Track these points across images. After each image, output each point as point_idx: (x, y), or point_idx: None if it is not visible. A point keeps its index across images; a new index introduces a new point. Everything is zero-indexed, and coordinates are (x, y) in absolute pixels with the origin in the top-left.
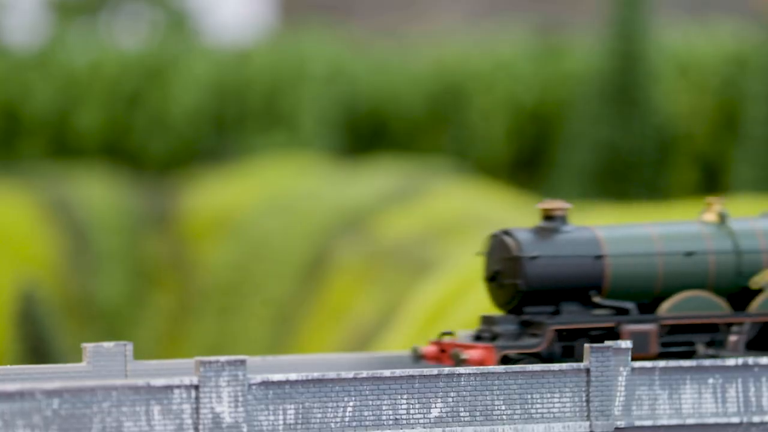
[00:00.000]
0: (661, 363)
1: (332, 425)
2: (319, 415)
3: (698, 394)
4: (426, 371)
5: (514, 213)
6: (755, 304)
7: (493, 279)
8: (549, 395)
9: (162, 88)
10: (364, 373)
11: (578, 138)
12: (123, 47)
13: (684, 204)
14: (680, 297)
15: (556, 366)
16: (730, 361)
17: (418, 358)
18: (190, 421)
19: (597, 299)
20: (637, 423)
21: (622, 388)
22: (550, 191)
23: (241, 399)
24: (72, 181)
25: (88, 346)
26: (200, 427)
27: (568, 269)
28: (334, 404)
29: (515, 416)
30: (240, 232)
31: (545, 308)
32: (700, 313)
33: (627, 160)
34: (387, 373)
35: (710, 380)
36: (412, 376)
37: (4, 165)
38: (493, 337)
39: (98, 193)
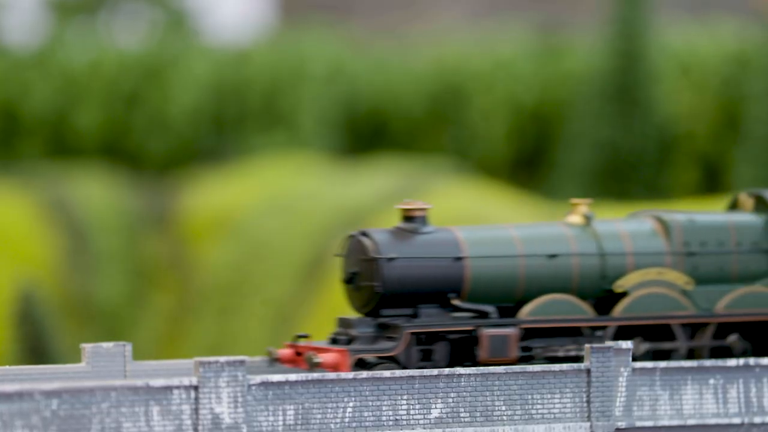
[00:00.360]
0: (662, 363)
1: (332, 426)
2: (319, 416)
3: (699, 394)
4: (426, 372)
5: (515, 213)
6: (619, 308)
7: (350, 281)
8: (549, 396)
9: (161, 88)
10: (364, 374)
11: (579, 138)
12: (122, 47)
13: (685, 204)
14: (542, 300)
15: (556, 366)
16: (732, 362)
17: (273, 361)
18: (189, 422)
19: (456, 302)
20: (638, 424)
21: (623, 389)
22: (551, 191)
23: (240, 400)
24: (71, 180)
25: (87, 347)
26: (200, 427)
27: (427, 271)
28: (334, 405)
29: (516, 417)
30: (240, 232)
31: (403, 311)
32: (561, 317)
33: (628, 160)
34: (387, 373)
35: (711, 381)
36: (412, 377)
37: (3, 165)
38: (349, 341)
39: (97, 193)
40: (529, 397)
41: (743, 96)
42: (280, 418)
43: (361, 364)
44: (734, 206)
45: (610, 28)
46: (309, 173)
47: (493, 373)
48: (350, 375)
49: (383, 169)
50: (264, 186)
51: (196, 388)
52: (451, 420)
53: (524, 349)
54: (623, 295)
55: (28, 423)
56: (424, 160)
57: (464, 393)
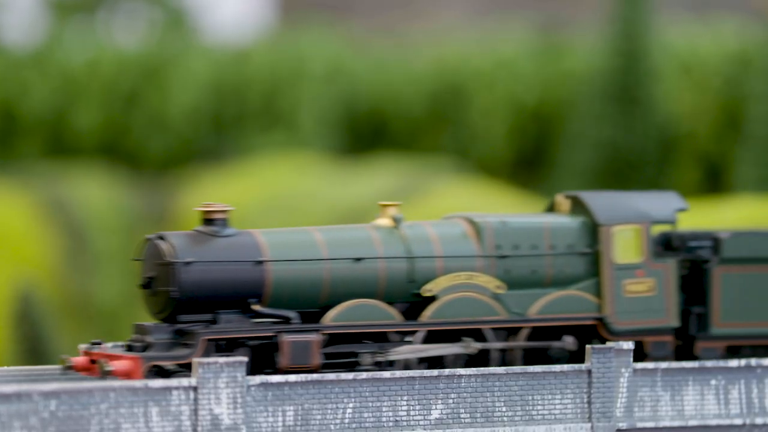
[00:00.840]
0: (663, 364)
1: (332, 427)
2: (319, 417)
3: (701, 395)
4: (426, 372)
5: (516, 212)
6: (427, 313)
7: (147, 286)
8: (550, 396)
9: (160, 88)
10: (364, 375)
11: (580, 137)
12: (121, 46)
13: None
14: (347, 305)
15: (557, 367)
16: (733, 363)
17: (67, 368)
18: (188, 423)
19: (257, 307)
20: (639, 425)
21: (624, 390)
22: (551, 191)
23: (240, 400)
24: (69, 180)
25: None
26: (199, 428)
27: (226, 276)
28: (334, 406)
29: (516, 418)
30: None
31: (202, 317)
32: (367, 322)
33: (629, 160)
34: (387, 374)
35: (713, 381)
36: (413, 378)
37: (1, 164)
38: (145, 348)
39: (96, 193)
40: (530, 397)
41: (745, 96)
42: (280, 418)
43: (162, 373)
44: (551, 208)
45: (611, 28)
46: (308, 173)
47: (494, 374)
48: (350, 376)
49: (383, 168)
50: (263, 186)
51: (195, 388)
52: (451, 421)
53: (328, 356)
54: (433, 299)
55: (26, 424)
56: (424, 160)
57: (464, 394)
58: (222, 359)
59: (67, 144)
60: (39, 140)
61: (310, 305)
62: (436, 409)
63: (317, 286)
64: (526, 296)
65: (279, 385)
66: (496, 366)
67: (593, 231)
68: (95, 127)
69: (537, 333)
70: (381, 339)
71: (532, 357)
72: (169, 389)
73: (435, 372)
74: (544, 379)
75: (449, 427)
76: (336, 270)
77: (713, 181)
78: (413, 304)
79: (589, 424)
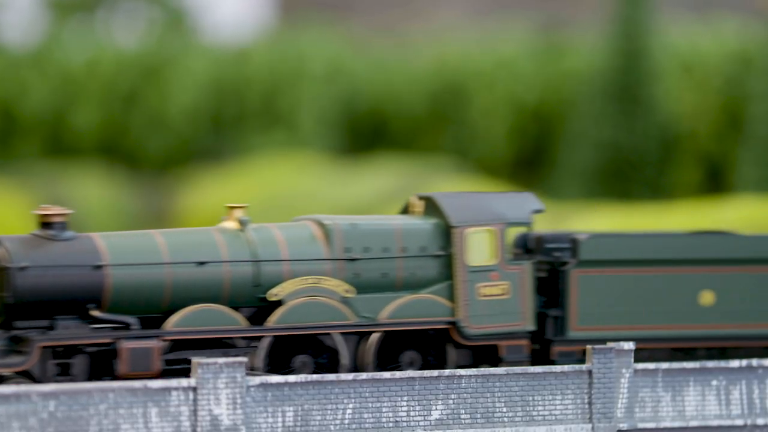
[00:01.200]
0: (664, 365)
1: (332, 428)
2: (319, 418)
3: (702, 396)
4: (427, 373)
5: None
6: (274, 318)
7: None
8: (551, 397)
9: (159, 87)
10: (364, 375)
11: (580, 137)
12: (120, 45)
13: (687, 204)
14: (189, 310)
15: (558, 368)
16: (734, 363)
17: None
18: (188, 424)
19: (95, 313)
20: (640, 425)
21: (625, 390)
22: (552, 191)
23: (239, 401)
24: (68, 180)
25: None
26: (198, 429)
27: (63, 280)
28: (334, 406)
29: (517, 418)
30: None
31: (38, 323)
32: (209, 327)
33: (630, 160)
34: (387, 375)
35: (714, 382)
36: (413, 378)
37: (0, 164)
38: None
39: (95, 193)
40: (530, 398)
41: (746, 95)
42: (280, 419)
43: None
44: (405, 210)
45: (612, 27)
46: (308, 173)
47: (494, 375)
48: (350, 376)
49: (383, 168)
50: (263, 185)
51: (194, 389)
52: (451, 422)
53: (169, 362)
54: (279, 304)
55: (25, 425)
56: (424, 160)
57: (465, 394)
58: (221, 360)
59: (66, 143)
60: (38, 140)
61: (153, 310)
62: (436, 409)
63: (159, 290)
64: (376, 300)
65: (279, 385)
66: (345, 372)
67: (446, 233)
68: (94, 127)
69: (389, 338)
70: (227, 345)
71: (384, 361)
72: (168, 390)
73: (435, 372)
74: (544, 379)
75: (449, 428)
76: (178, 274)
77: (714, 181)
78: (260, 308)
79: (590, 425)
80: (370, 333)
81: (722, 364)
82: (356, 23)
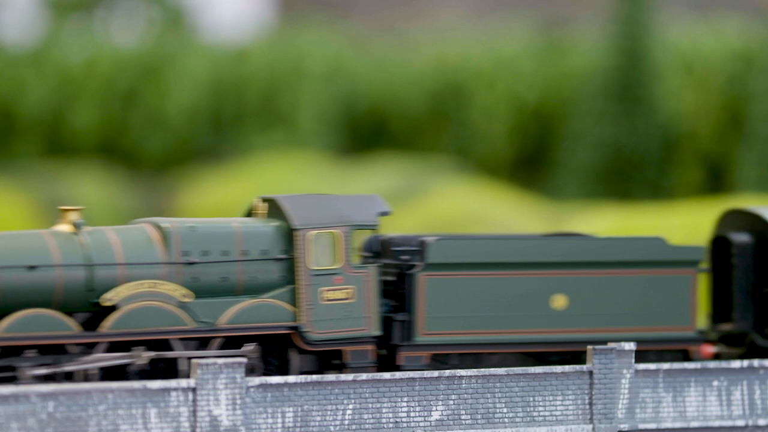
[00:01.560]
0: (665, 365)
1: (331, 428)
2: (318, 418)
3: (703, 396)
4: (427, 374)
5: (516, 212)
6: (108, 323)
7: None
8: (551, 398)
9: (158, 86)
10: (364, 376)
11: (581, 136)
12: (119, 44)
13: (688, 203)
14: (18, 316)
15: (558, 368)
16: (735, 364)
17: None
18: (187, 424)
19: None
20: (641, 426)
21: (626, 391)
22: (553, 190)
23: (239, 402)
24: (67, 180)
25: None
26: (198, 430)
27: None
28: (334, 407)
29: (517, 419)
30: None
31: None
32: (38, 333)
33: (630, 159)
34: (387, 375)
35: (715, 383)
36: (413, 379)
37: None
38: None
39: (94, 192)
40: (531, 399)
41: (747, 94)
42: (279, 420)
43: None
44: (249, 213)
45: (612, 26)
46: (308, 172)
47: (495, 375)
48: (350, 377)
49: (383, 168)
50: (262, 185)
51: (194, 390)
52: (451, 422)
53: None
54: (114, 309)
55: (24, 425)
56: (424, 159)
57: (465, 395)
58: (221, 360)
59: (65, 143)
60: (36, 139)
61: None
62: (436, 410)
63: None
64: (216, 305)
65: (278, 386)
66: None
67: (289, 236)
68: (93, 126)
69: (230, 343)
70: (59, 351)
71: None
72: (167, 390)
73: (436, 373)
74: (545, 380)
75: (449, 429)
76: (7, 279)
77: (715, 181)
78: (94, 314)
79: (591, 426)
80: (209, 339)
81: (723, 364)
82: (356, 22)
